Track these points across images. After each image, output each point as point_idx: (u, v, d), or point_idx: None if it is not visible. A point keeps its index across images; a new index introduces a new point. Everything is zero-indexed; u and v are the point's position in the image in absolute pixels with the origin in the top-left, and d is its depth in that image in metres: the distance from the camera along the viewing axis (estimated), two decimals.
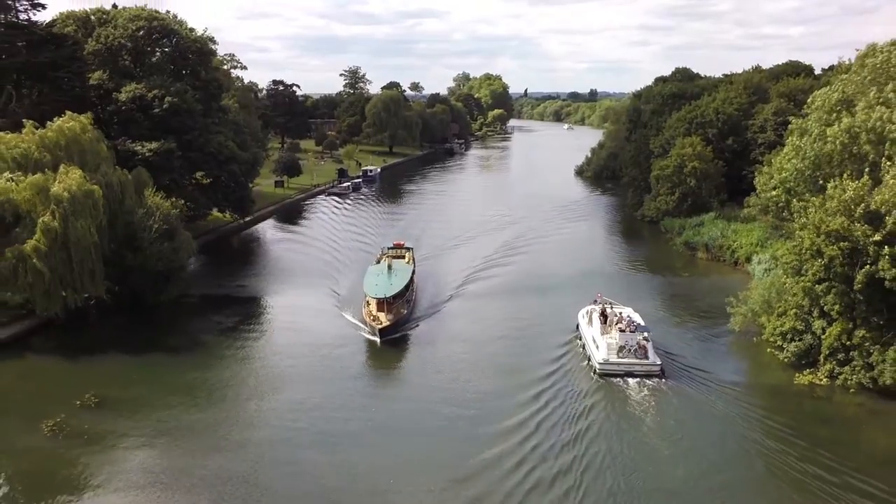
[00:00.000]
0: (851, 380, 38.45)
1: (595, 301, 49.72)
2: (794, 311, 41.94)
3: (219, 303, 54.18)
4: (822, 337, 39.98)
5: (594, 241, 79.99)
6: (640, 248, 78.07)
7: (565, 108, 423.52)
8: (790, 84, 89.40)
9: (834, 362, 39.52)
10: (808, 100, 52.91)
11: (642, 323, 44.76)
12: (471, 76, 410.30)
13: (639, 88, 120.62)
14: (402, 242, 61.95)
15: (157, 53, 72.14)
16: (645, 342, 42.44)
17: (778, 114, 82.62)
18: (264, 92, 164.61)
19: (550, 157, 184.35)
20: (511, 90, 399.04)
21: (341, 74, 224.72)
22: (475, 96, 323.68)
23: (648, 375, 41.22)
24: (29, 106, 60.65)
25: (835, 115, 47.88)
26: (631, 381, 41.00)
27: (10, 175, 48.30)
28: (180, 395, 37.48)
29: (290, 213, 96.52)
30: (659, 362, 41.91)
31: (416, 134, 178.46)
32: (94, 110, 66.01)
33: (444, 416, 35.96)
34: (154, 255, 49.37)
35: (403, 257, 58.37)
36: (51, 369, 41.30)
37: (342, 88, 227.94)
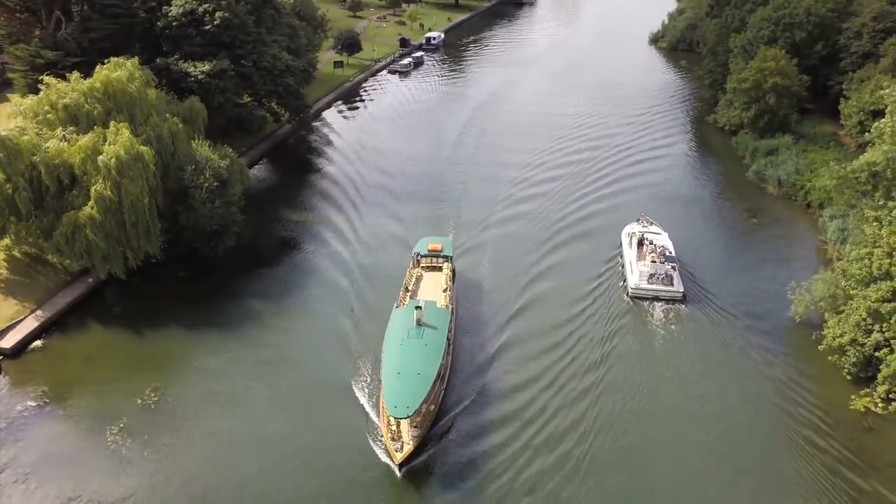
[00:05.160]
0: None
1: (638, 220, 56.17)
2: (855, 324, 40.11)
3: (267, 255, 54.81)
4: (883, 361, 38.45)
5: (665, 156, 76.21)
6: (709, 165, 74.40)
7: None
8: None
9: (891, 384, 38.24)
10: None
11: (673, 254, 51.32)
12: None
13: None
14: (439, 246, 49.30)
15: None
16: (672, 271, 49.22)
17: (878, 19, 75.01)
18: None
19: (624, 16, 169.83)
20: None
21: None
22: None
23: (672, 300, 48.43)
24: (78, 32, 59.02)
25: None
26: (657, 304, 48.35)
27: (62, 132, 48.23)
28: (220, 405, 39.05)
29: (349, 99, 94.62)
30: (682, 290, 48.74)
31: None
32: (144, 28, 64.29)
33: None
34: (206, 214, 49.40)
35: (440, 269, 48.22)
36: (114, 349, 43.22)
37: None
